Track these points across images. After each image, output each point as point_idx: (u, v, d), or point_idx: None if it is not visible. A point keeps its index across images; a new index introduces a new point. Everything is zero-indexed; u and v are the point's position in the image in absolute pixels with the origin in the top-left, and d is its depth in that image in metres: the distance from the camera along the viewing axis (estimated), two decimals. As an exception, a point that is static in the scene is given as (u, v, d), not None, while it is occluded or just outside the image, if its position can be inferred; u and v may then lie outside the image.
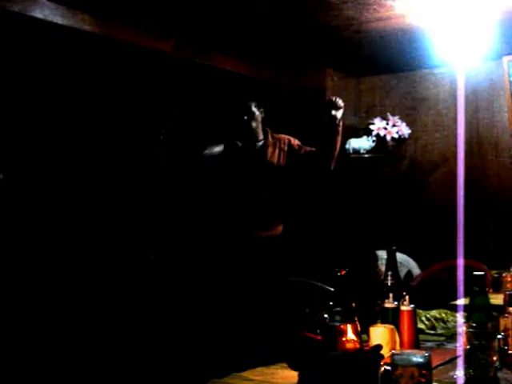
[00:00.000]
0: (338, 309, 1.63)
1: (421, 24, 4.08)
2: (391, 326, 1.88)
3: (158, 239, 3.89)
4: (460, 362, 1.62)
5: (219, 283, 3.37)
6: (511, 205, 4.93)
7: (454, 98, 5.12)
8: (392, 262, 2.19)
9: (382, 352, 1.50)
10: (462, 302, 2.52)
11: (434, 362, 1.60)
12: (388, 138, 5.19)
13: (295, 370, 1.57)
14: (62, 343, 3.02)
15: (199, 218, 3.97)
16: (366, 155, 5.24)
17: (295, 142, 3.94)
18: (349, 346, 1.58)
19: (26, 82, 3.57)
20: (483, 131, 5.09)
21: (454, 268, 3.25)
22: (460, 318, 2.27)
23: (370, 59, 5.03)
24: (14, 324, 3.01)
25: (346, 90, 5.51)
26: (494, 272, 3.31)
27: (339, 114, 3.79)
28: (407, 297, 1.98)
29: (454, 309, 2.48)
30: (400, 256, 4.27)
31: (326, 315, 1.65)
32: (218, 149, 3.88)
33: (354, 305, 1.64)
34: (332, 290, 2.09)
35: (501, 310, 1.93)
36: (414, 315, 1.99)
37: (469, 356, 1.60)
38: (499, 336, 1.74)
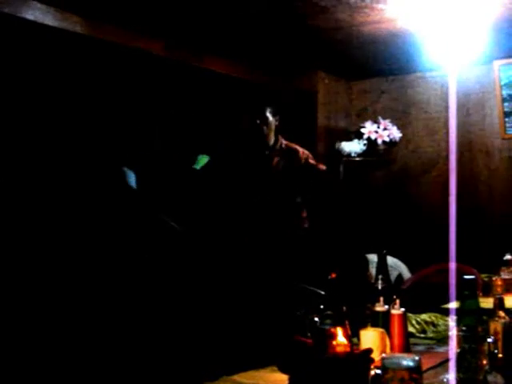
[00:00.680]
0: (329, 312, 1.62)
1: (412, 28, 4.09)
2: (381, 330, 1.88)
3: (151, 238, 3.88)
4: (450, 365, 1.62)
5: (210, 286, 3.36)
6: (501, 209, 4.95)
7: (445, 101, 5.14)
8: (383, 266, 2.19)
9: (372, 355, 1.50)
10: (452, 305, 2.52)
11: (425, 366, 1.60)
12: (379, 141, 5.20)
13: (285, 373, 1.57)
14: (54, 343, 3.00)
15: (191, 219, 3.95)
16: (357, 158, 5.25)
17: (304, 154, 3.87)
18: (339, 349, 1.57)
19: (17, 84, 3.55)
20: (474, 135, 5.10)
21: (445, 272, 3.26)
22: (450, 321, 2.27)
23: (362, 63, 5.04)
24: (8, 322, 3.00)
25: (338, 93, 5.53)
26: (483, 276, 3.32)
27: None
28: (398, 300, 1.98)
29: (445, 312, 2.48)
30: (390, 259, 4.27)
31: (316, 318, 1.64)
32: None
33: (344, 308, 1.64)
34: (322, 293, 2.08)
35: (491, 313, 1.94)
36: (404, 319, 1.99)
37: (459, 359, 1.60)
38: (489, 340, 1.74)
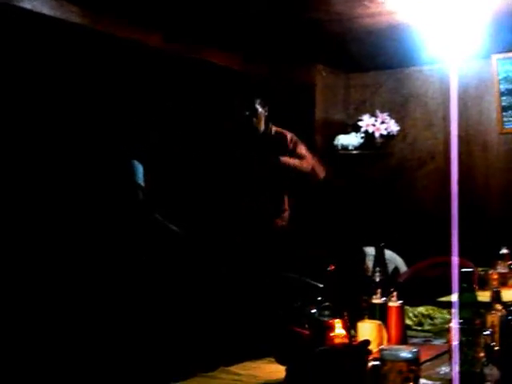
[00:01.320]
0: (327, 304, 1.63)
1: (411, 21, 4.08)
2: (379, 322, 1.89)
3: (148, 239, 3.87)
4: (447, 357, 1.63)
5: (208, 278, 3.36)
6: (498, 202, 4.96)
7: (443, 95, 5.13)
8: (380, 259, 2.20)
9: (369, 347, 1.50)
10: (449, 298, 2.53)
11: (422, 358, 1.60)
12: (377, 134, 5.20)
13: (283, 364, 1.57)
14: (53, 342, 3.00)
15: (190, 219, 3.95)
16: (355, 152, 5.25)
17: (292, 139, 3.89)
18: (337, 341, 1.58)
19: (13, 73, 3.53)
20: (471, 129, 5.10)
21: (442, 265, 3.26)
22: (447, 314, 2.28)
23: (360, 55, 5.03)
24: (8, 322, 3.00)
25: (336, 85, 5.52)
26: (480, 269, 3.33)
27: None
28: (395, 293, 1.99)
29: (442, 305, 2.49)
30: (387, 252, 4.27)
31: (314, 310, 1.65)
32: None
33: (342, 300, 1.64)
34: (321, 285, 2.09)
35: (488, 306, 1.94)
36: (401, 311, 2.00)
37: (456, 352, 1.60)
38: (486, 332, 1.75)
